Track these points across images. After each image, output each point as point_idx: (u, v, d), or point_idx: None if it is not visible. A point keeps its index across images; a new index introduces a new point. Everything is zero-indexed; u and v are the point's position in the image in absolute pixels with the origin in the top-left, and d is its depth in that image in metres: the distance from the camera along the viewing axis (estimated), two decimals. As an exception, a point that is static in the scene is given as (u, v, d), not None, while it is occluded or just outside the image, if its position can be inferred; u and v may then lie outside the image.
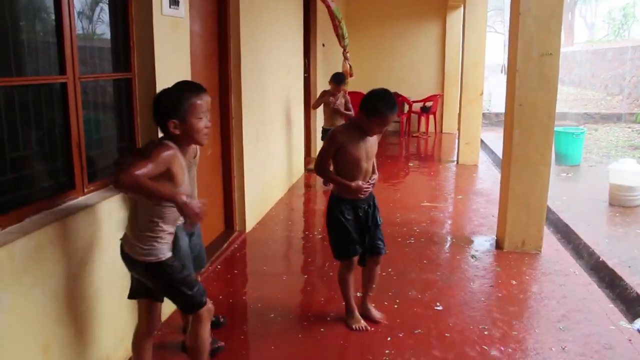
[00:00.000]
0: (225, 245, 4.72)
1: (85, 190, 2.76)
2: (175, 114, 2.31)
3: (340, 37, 8.06)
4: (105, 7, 3.04)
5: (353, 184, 3.20)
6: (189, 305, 2.50)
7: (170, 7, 3.31)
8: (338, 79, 6.86)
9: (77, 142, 2.68)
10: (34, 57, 2.50)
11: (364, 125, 3.19)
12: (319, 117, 9.09)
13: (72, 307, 2.49)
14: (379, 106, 3.12)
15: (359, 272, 3.49)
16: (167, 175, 2.28)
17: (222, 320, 3.41)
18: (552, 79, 4.47)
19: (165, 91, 2.41)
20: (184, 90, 2.37)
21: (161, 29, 3.23)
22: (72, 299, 2.49)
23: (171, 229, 2.43)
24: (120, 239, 2.48)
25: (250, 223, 5.23)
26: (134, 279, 2.55)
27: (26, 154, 2.44)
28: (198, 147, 2.67)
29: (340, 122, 6.56)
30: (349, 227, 3.27)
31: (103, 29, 3.04)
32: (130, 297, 2.59)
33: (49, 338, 2.34)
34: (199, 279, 3.20)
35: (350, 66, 8.31)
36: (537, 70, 4.46)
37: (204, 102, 2.38)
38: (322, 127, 7.29)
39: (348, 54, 8.35)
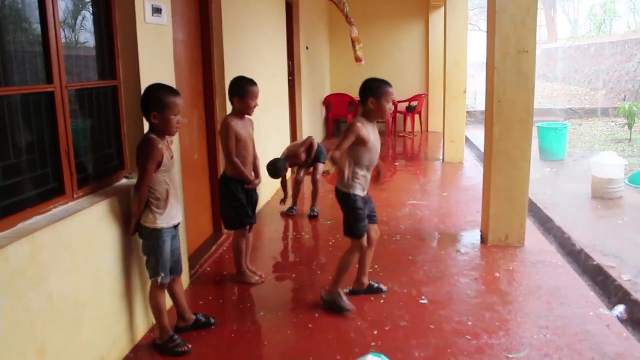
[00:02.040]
0: (214, 247, 4.80)
1: (75, 196, 2.83)
2: (375, 94, 3.47)
3: (347, 17, 8.05)
4: (90, 16, 3.11)
5: (257, 181, 4.06)
6: (351, 232, 3.57)
7: (153, 15, 3.39)
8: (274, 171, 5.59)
9: (67, 150, 2.75)
10: (21, 67, 2.56)
11: (242, 108, 3.89)
12: (305, 119, 9.21)
13: (66, 310, 2.56)
14: (243, 85, 3.87)
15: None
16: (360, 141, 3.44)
17: (212, 320, 3.48)
18: (530, 75, 4.59)
19: (368, 80, 3.56)
20: (381, 81, 3.54)
21: (145, 37, 3.31)
22: (66, 302, 2.56)
23: (365, 174, 3.55)
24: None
25: (240, 225, 5.29)
26: None
27: (17, 162, 2.50)
28: (172, 148, 3.16)
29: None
30: (243, 201, 3.98)
31: (88, 37, 3.11)
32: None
33: (45, 340, 2.41)
34: (182, 284, 3.37)
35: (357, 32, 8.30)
36: (514, 67, 4.58)
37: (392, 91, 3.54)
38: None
39: (352, 20, 8.36)
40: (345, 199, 3.55)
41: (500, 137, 4.69)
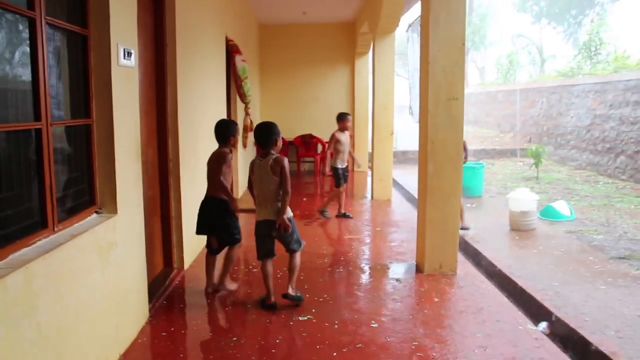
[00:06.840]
0: (167, 282, 4.91)
1: (56, 229, 2.94)
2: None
3: (242, 95, 8.50)
4: (67, 58, 3.27)
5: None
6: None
7: (124, 58, 3.60)
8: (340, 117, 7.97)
9: (49, 185, 2.88)
10: (13, 105, 2.70)
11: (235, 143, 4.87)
12: (242, 157, 9.44)
13: (50, 338, 2.65)
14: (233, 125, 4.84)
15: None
16: None
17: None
18: (459, 119, 5.13)
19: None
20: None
21: (117, 78, 3.51)
22: (50, 330, 2.66)
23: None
24: None
25: (188, 260, 5.44)
26: None
27: (8, 196, 2.62)
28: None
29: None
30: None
31: (65, 78, 3.26)
32: None
33: (33, 367, 2.50)
34: None
35: (251, 121, 8.82)
36: (445, 112, 5.10)
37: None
38: (334, 167, 8.22)
39: (250, 110, 8.89)
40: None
41: (434, 174, 5.18)
